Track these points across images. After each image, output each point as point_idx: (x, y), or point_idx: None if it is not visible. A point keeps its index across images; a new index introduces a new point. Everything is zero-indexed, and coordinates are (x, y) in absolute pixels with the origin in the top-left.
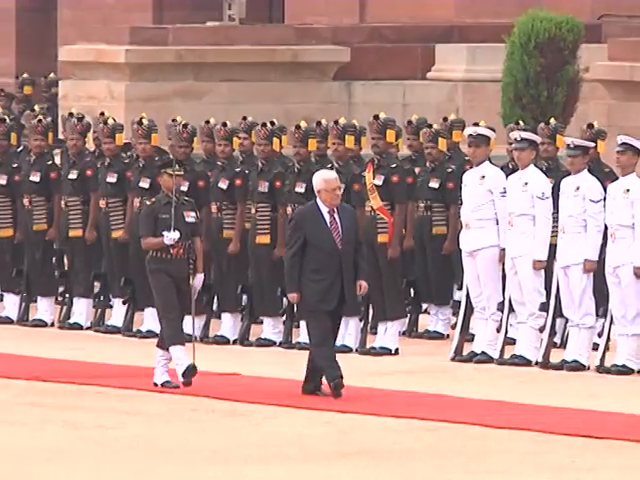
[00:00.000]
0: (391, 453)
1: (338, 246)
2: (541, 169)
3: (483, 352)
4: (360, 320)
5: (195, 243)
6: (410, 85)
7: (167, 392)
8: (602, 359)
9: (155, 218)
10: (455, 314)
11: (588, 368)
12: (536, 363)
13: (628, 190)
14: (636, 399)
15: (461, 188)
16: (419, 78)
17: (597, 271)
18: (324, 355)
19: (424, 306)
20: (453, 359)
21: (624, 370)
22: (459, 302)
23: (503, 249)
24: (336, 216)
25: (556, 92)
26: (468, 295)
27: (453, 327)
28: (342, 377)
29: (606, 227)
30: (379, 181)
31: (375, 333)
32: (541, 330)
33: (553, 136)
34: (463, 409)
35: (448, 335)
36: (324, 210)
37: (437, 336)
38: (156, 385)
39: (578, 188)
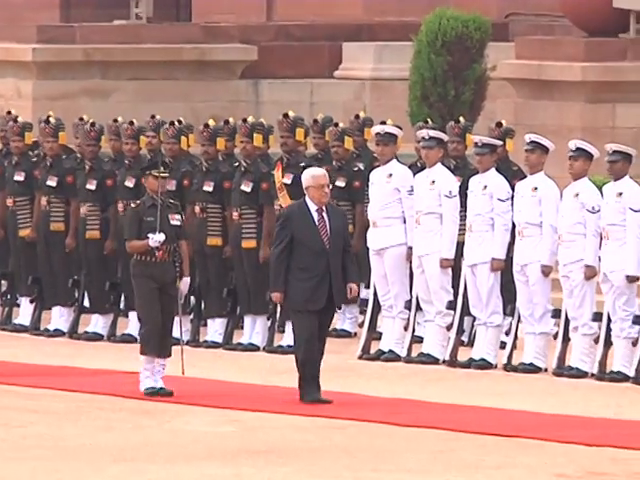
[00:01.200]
0: (299, 451)
1: (326, 245)
2: (449, 167)
3: (390, 350)
4: (268, 318)
5: (181, 246)
6: (317, 84)
7: (76, 391)
8: (509, 357)
9: (140, 221)
10: (362, 312)
11: (495, 366)
12: (443, 361)
13: (536, 188)
14: (543, 397)
15: (368, 186)
16: (326, 77)
17: (505, 269)
18: (307, 372)
19: None
20: (360, 357)
21: (531, 368)
22: (366, 300)
23: (410, 247)
24: (324, 215)
25: (463, 91)
26: (375, 293)
27: (360, 325)
28: (319, 396)
29: (514, 225)
30: (288, 180)
31: (283, 331)
32: (448, 328)
33: (463, 135)
34: (371, 407)
35: (355, 333)
36: (312, 208)
37: (344, 334)
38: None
39: (486, 187)
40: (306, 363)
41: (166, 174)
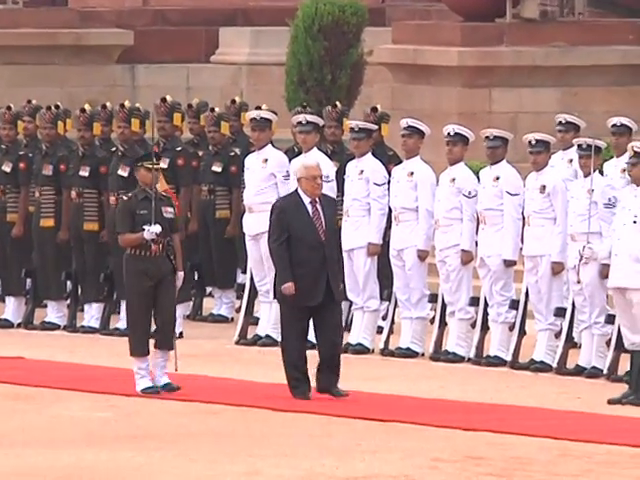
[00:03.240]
0: (175, 436)
1: (321, 238)
2: (326, 152)
3: (267, 335)
4: None
5: (174, 240)
6: (194, 68)
7: None
8: (386, 342)
9: (132, 214)
10: (239, 297)
11: (372, 351)
12: None
13: (412, 173)
14: (420, 382)
15: (244, 172)
16: (203, 61)
17: (381, 254)
18: (292, 371)
19: (208, 289)
20: (237, 342)
21: (408, 353)
22: (243, 285)
23: None
24: (318, 206)
25: (340, 75)
26: (252, 279)
27: (237, 310)
28: (308, 391)
29: (390, 210)
30: (164, 164)
31: None
32: None
33: (340, 119)
34: (247, 392)
35: (232, 318)
36: (306, 200)
37: (221, 319)
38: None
39: (362, 171)
40: (291, 363)
41: (159, 165)
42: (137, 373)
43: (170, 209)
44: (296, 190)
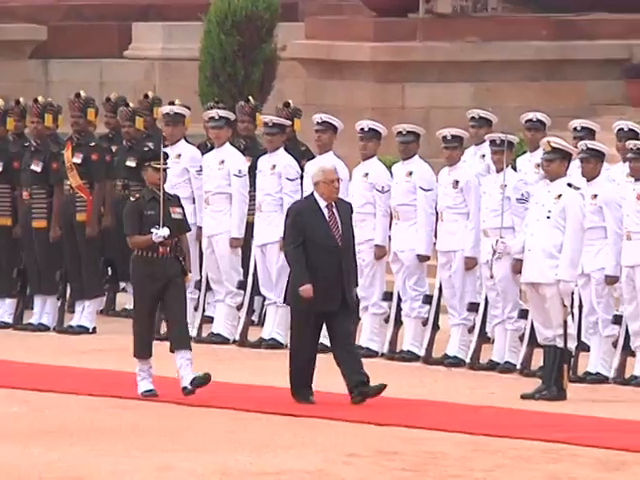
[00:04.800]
0: (89, 431)
1: (338, 242)
2: (238, 147)
3: None
4: (58, 299)
5: (182, 241)
6: (107, 63)
7: None
8: None
9: (140, 215)
10: None
11: (285, 346)
12: (234, 341)
13: None
14: (333, 377)
15: None
16: (116, 56)
17: None
18: (298, 375)
19: (122, 284)
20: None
21: (321, 348)
22: None
23: (200, 227)
24: (335, 211)
25: (253, 70)
26: None
27: None
28: (311, 395)
29: None
30: (78, 159)
31: (73, 312)
32: (239, 308)
33: (253, 114)
34: (161, 387)
35: None
36: (322, 204)
37: None
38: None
39: (274, 166)
40: (298, 369)
41: (167, 166)
42: (138, 375)
43: (178, 209)
44: (312, 194)
